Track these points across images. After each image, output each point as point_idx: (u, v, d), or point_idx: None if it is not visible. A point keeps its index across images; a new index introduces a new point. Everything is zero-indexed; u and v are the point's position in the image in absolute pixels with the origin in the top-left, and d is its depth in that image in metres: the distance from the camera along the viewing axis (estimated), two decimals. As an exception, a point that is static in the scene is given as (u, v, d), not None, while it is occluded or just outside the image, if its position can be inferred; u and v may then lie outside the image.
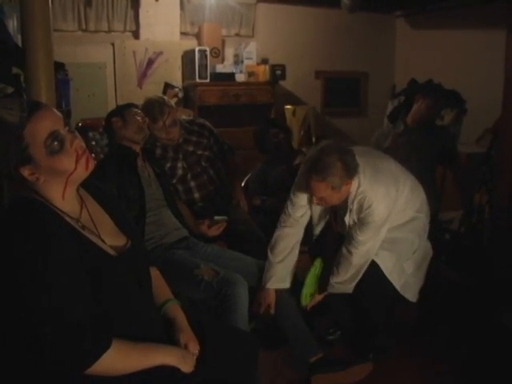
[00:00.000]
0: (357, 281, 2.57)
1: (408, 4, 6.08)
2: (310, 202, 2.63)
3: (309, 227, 2.75)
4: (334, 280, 2.60)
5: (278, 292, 2.67)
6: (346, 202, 2.50)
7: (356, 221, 2.52)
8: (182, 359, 1.56)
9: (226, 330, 1.99)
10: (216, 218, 3.02)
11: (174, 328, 1.68)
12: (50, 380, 1.39)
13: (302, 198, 2.64)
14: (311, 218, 2.74)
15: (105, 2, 5.24)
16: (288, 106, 5.89)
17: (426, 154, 3.55)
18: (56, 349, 1.31)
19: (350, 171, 2.38)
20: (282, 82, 5.79)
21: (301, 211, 2.68)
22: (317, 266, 2.72)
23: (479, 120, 4.68)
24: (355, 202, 2.48)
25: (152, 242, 2.66)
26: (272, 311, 2.66)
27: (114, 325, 1.47)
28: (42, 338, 1.31)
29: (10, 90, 2.75)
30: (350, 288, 2.61)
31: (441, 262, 3.77)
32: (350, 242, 2.52)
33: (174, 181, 3.28)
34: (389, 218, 2.51)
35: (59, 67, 4.34)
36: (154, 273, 1.81)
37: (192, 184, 3.32)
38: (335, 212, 2.71)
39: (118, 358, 1.42)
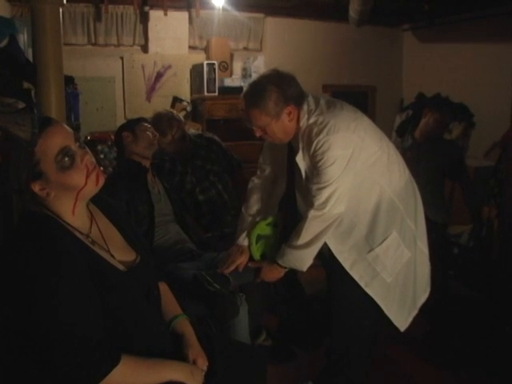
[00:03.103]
0: (313, 253, 2.24)
1: (415, 18, 6.09)
2: (278, 158, 2.47)
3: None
4: (288, 243, 2.26)
5: None
6: (298, 140, 2.24)
7: (310, 165, 2.21)
8: (190, 375, 1.55)
9: (234, 345, 1.98)
10: None
11: (183, 343, 1.67)
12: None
13: (269, 154, 2.54)
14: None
15: (114, 16, 5.28)
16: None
17: (435, 168, 3.54)
18: (65, 365, 1.31)
19: (288, 96, 2.15)
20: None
21: (267, 166, 2.56)
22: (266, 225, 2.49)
23: (487, 133, 4.68)
24: (305, 136, 2.19)
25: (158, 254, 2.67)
26: (240, 269, 2.45)
27: (123, 340, 1.47)
28: (51, 353, 1.31)
29: (21, 104, 2.76)
30: (303, 260, 2.27)
31: (450, 275, 3.76)
32: (308, 198, 2.21)
33: (183, 195, 3.28)
34: (347, 168, 2.13)
35: (69, 81, 4.39)
36: (163, 287, 1.81)
37: (200, 198, 3.32)
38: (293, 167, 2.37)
39: (127, 374, 1.41)
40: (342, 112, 2.19)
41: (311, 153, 2.15)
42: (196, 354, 1.65)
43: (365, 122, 2.26)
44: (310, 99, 2.25)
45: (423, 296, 2.45)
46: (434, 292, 2.59)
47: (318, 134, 2.12)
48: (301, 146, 2.22)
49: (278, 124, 2.19)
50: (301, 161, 2.23)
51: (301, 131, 2.22)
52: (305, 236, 2.20)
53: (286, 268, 2.34)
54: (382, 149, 2.26)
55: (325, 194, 2.13)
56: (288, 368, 2.88)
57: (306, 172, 2.24)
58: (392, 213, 2.27)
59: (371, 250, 2.26)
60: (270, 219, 2.52)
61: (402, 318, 2.36)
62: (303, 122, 2.21)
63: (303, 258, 2.27)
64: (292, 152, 2.35)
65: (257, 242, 2.45)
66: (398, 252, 2.29)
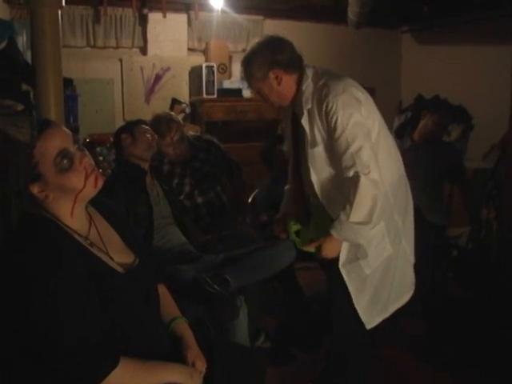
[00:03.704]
0: (368, 228, 2.17)
1: (414, 20, 6.10)
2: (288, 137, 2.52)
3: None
4: (349, 218, 2.13)
5: None
6: (301, 104, 2.25)
7: (322, 128, 2.21)
8: (189, 377, 1.55)
9: (233, 347, 1.98)
10: None
11: (182, 345, 1.67)
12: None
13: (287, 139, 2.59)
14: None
15: (113, 19, 5.29)
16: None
17: (433, 170, 3.54)
18: (64, 365, 1.31)
19: (274, 61, 2.21)
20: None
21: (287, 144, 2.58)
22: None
23: (486, 135, 4.68)
24: (315, 98, 2.21)
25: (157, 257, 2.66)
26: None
27: (121, 342, 1.47)
28: (50, 354, 1.31)
29: (20, 107, 2.76)
30: (358, 235, 2.17)
31: (448, 277, 3.76)
32: (342, 170, 2.17)
33: (182, 197, 3.28)
34: (366, 131, 2.17)
35: (67, 83, 4.38)
36: (162, 289, 1.81)
37: (199, 200, 3.32)
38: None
39: (126, 376, 1.41)
40: (351, 81, 2.28)
41: (323, 113, 2.17)
42: (195, 356, 1.65)
43: (365, 95, 2.30)
44: (317, 67, 2.33)
45: (398, 302, 2.43)
46: (432, 292, 2.60)
47: (327, 95, 2.16)
48: (306, 109, 2.23)
49: (267, 87, 2.27)
50: (306, 124, 2.24)
51: (305, 94, 2.24)
52: (359, 206, 2.11)
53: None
54: (382, 133, 2.31)
55: (364, 156, 2.10)
56: (287, 370, 2.88)
57: (310, 136, 2.23)
58: (384, 204, 2.25)
59: None
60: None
61: (370, 315, 2.34)
62: (307, 84, 2.25)
63: (360, 233, 2.17)
64: (296, 126, 2.36)
65: (298, 237, 2.41)
66: (381, 244, 2.28)
